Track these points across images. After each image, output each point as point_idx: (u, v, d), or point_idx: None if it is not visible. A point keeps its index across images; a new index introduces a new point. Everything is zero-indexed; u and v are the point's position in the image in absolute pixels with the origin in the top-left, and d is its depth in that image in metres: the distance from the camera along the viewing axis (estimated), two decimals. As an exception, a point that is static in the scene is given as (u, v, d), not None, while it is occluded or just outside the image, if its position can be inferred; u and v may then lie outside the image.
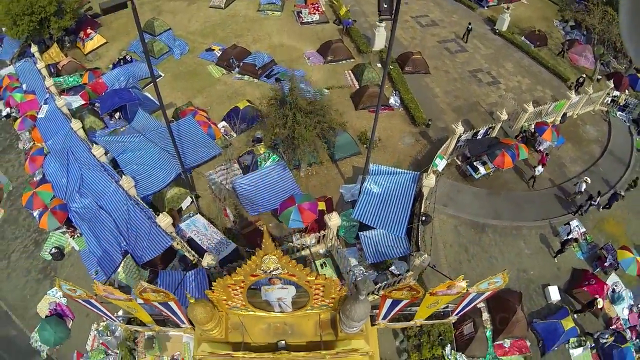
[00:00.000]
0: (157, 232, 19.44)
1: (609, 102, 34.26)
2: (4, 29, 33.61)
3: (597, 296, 19.96)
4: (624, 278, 22.04)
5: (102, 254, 20.23)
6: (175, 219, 20.67)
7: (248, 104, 26.08)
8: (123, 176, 21.29)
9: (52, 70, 32.43)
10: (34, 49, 32.80)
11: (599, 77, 37.76)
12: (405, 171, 21.67)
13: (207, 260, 17.85)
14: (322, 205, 20.92)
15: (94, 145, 23.55)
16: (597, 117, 33.61)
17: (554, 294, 20.62)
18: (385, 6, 14.40)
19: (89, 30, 35.61)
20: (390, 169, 21.57)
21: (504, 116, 25.30)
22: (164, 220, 18.91)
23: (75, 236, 22.87)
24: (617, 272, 22.24)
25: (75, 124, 25.15)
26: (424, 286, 17.98)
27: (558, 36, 42.32)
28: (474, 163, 24.15)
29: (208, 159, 23.51)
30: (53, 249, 22.36)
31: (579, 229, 23.81)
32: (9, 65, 34.61)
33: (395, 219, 19.92)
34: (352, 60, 32.20)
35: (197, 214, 21.57)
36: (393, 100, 28.59)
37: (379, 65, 31.89)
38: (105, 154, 23.41)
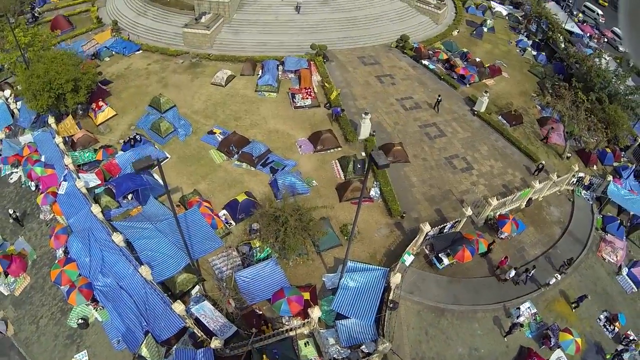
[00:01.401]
0: (172, 314, 25.75)
1: (574, 182, 40.65)
2: (24, 101, 40.03)
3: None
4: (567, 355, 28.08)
5: (126, 331, 26.52)
6: (185, 303, 26.99)
7: (246, 197, 32.59)
8: (142, 265, 27.67)
9: (67, 141, 39.07)
10: (51, 120, 39.82)
11: (569, 154, 44.54)
12: (377, 267, 28.00)
13: (215, 343, 24.15)
14: (306, 295, 27.16)
15: (114, 232, 29.95)
16: (563, 197, 40.09)
17: (500, 371, 26.69)
18: (359, 166, 21.07)
19: (100, 103, 42.37)
20: (365, 265, 27.95)
21: (469, 212, 31.62)
22: (179, 307, 25.23)
23: (98, 309, 29.03)
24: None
25: (95, 209, 31.61)
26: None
27: (534, 112, 49.10)
28: (439, 255, 30.46)
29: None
30: (79, 320, 28.56)
31: (530, 310, 30.00)
32: (27, 133, 41.25)
33: (366, 309, 26.20)
34: (339, 148, 38.84)
35: (204, 296, 27.89)
36: (373, 192, 35.06)
37: (363, 154, 38.53)
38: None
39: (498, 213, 34.74)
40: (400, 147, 38.62)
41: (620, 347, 29.81)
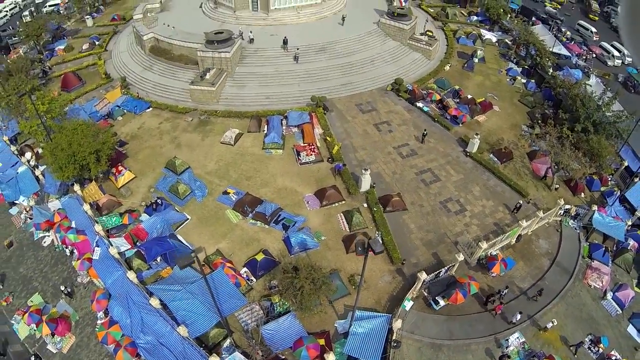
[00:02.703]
0: (209, 367, 32.74)
1: (561, 213, 47.22)
2: (50, 171, 46.77)
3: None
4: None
5: (169, 382, 33.53)
6: (218, 354, 33.92)
7: (264, 256, 39.61)
8: (179, 325, 34.65)
9: (93, 205, 46.05)
10: (76, 187, 46.88)
11: (557, 186, 51.22)
12: (381, 315, 34.77)
13: (247, 391, 31.14)
14: (322, 341, 34.02)
15: (151, 297, 36.91)
16: (551, 228, 46.60)
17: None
18: (360, 249, 28.20)
19: (120, 168, 49.76)
20: (370, 313, 34.79)
21: (461, 258, 38.38)
22: (215, 360, 32.28)
23: (141, 362, 36.08)
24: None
25: (131, 275, 38.58)
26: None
27: (524, 144, 55.47)
28: (436, 297, 37.33)
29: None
30: (126, 375, 35.59)
31: (519, 339, 36.61)
32: (54, 199, 48.29)
33: (373, 350, 33.00)
34: (343, 202, 45.80)
35: (234, 347, 34.79)
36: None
37: (365, 205, 45.52)
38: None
39: (489, 252, 41.36)
40: (399, 198, 45.56)
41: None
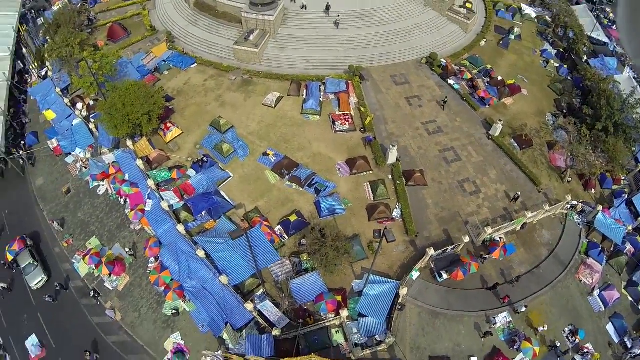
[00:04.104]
0: (244, 310, 40.41)
1: (568, 207, 52.59)
2: (105, 128, 53.27)
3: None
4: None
5: (211, 321, 41.35)
6: (252, 301, 41.54)
7: (296, 217, 46.50)
8: (221, 275, 42.14)
9: (143, 159, 52.81)
10: (129, 143, 53.62)
11: (570, 179, 56.40)
12: (391, 281, 41.86)
13: (276, 332, 38.89)
14: (339, 298, 41.47)
15: (198, 248, 44.01)
16: (556, 220, 52.08)
17: (475, 362, 40.73)
18: (377, 235, 35.11)
19: (169, 125, 56.35)
20: (382, 279, 41.91)
21: (466, 239, 44.91)
22: (249, 306, 39.88)
23: (186, 301, 43.83)
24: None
25: (180, 227, 45.71)
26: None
27: (546, 135, 59.94)
28: (440, 271, 44.25)
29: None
30: (173, 311, 43.55)
31: (506, 318, 43.54)
32: (109, 153, 55.10)
33: (381, 311, 40.43)
34: (370, 172, 52.15)
35: (265, 295, 42.36)
36: (396, 213, 48.56)
37: (390, 177, 51.77)
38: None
39: (493, 236, 47.64)
40: (420, 174, 51.81)
41: (577, 357, 43.02)
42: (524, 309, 43.49)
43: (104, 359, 42.87)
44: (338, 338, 41.00)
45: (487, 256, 46.39)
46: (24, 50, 74.57)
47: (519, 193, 51.80)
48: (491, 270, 46.36)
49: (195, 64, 65.64)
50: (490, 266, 46.69)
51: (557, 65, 73.28)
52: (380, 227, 47.01)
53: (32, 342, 44.12)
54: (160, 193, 49.14)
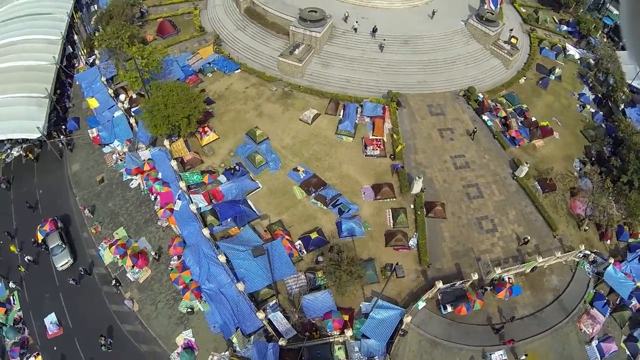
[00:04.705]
0: (255, 317, 43.97)
1: (580, 256, 54.47)
2: (145, 126, 56.73)
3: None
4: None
5: (222, 323, 45.02)
6: (264, 310, 45.04)
7: (317, 235, 49.82)
8: (239, 282, 45.66)
9: (178, 160, 56.18)
10: (165, 142, 57.15)
11: (587, 227, 58.23)
12: (397, 308, 44.72)
13: (282, 342, 42.36)
14: (346, 317, 44.74)
15: (220, 253, 47.37)
16: (566, 267, 53.89)
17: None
18: (388, 267, 38.27)
19: (206, 129, 59.88)
20: (389, 305, 44.88)
21: (475, 277, 47.59)
22: (261, 315, 43.44)
23: (202, 302, 47.45)
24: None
25: (205, 231, 49.22)
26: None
27: (570, 181, 61.85)
28: (445, 304, 47.03)
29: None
30: (188, 309, 47.26)
31: (502, 356, 46.05)
32: (145, 149, 58.79)
33: (383, 335, 43.51)
34: (394, 199, 55.02)
35: (277, 306, 45.82)
36: (412, 242, 51.44)
37: (412, 207, 54.47)
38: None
39: (502, 276, 50.02)
40: (441, 207, 54.49)
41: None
42: (523, 357, 45.81)
43: (117, 345, 46.69)
44: (339, 354, 44.30)
45: (487, 288, 49.01)
46: (75, 36, 78.73)
47: (529, 237, 53.64)
48: (494, 308, 48.76)
49: (239, 70, 69.06)
50: (495, 304, 49.05)
51: (593, 110, 74.26)
52: (395, 254, 49.96)
53: (50, 319, 48.32)
54: (190, 195, 52.64)
